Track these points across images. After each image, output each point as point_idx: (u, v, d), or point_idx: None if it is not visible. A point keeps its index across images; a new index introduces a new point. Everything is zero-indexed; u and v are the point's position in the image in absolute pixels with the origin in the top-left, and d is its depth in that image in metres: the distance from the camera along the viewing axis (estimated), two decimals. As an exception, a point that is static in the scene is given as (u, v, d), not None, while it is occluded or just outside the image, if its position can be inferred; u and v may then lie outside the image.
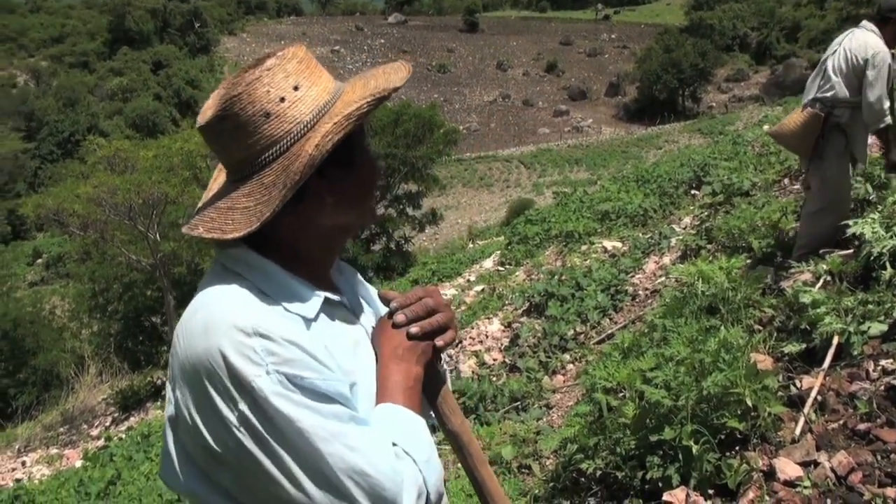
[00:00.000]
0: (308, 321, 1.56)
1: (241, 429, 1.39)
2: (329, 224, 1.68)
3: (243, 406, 1.38)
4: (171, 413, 1.53)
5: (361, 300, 1.89)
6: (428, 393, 1.79)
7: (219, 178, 1.75)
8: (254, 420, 1.38)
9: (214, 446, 1.43)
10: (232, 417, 1.39)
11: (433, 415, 1.84)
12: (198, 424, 1.44)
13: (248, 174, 1.59)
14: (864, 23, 6.28)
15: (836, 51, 6.21)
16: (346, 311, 1.75)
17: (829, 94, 6.10)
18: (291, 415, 1.38)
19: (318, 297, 1.63)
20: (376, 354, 1.73)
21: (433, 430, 1.74)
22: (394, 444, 1.51)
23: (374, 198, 1.79)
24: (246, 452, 1.40)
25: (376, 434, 1.48)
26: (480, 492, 1.84)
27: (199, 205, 1.71)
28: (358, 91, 1.62)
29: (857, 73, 6.03)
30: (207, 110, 1.61)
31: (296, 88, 1.58)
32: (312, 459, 1.39)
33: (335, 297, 1.69)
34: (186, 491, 1.53)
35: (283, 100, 1.56)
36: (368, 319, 1.84)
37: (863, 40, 6.10)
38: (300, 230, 1.65)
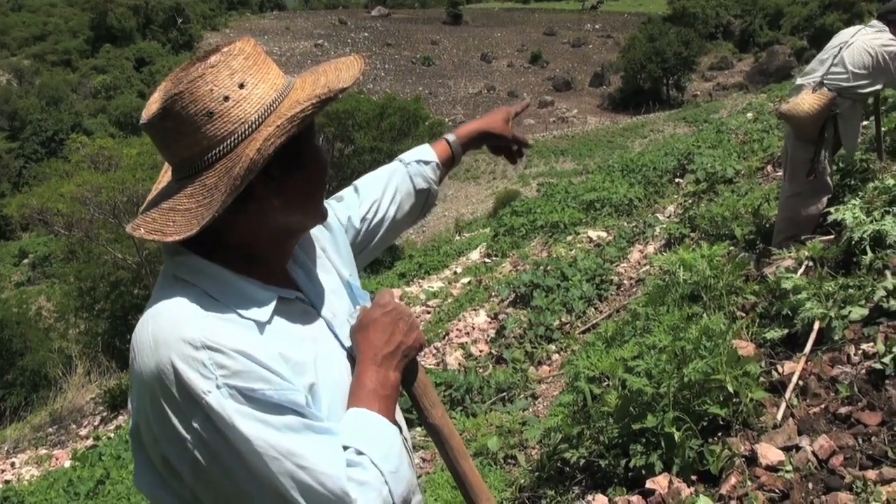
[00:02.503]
0: (262, 325, 1.54)
1: (196, 445, 1.38)
2: (278, 225, 1.66)
3: (196, 423, 1.37)
4: (132, 425, 1.53)
5: (322, 285, 1.84)
6: (406, 387, 1.79)
7: (165, 175, 1.72)
8: (206, 437, 1.37)
9: (173, 461, 1.42)
10: (187, 435, 1.38)
11: (413, 407, 1.84)
12: (157, 437, 1.43)
13: (191, 174, 1.56)
14: (875, 22, 6.36)
15: (850, 43, 6.21)
16: (304, 304, 1.72)
17: (842, 84, 6.11)
18: (243, 430, 1.36)
19: (272, 297, 1.60)
20: (355, 352, 1.71)
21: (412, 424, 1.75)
22: (360, 453, 1.49)
23: (323, 197, 1.77)
24: (202, 469, 1.40)
25: (331, 447, 1.46)
26: (462, 485, 1.84)
27: (145, 203, 1.68)
28: (307, 89, 1.58)
29: (875, 70, 6.09)
30: (151, 105, 1.57)
31: (241, 86, 1.53)
32: (264, 476, 1.38)
33: (289, 295, 1.67)
34: (153, 498, 1.53)
35: (227, 98, 1.51)
36: (331, 305, 1.81)
37: (884, 39, 6.18)
38: (248, 231, 1.62)
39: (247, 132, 1.52)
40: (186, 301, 1.49)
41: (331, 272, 1.92)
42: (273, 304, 1.59)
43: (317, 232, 1.94)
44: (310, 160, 1.66)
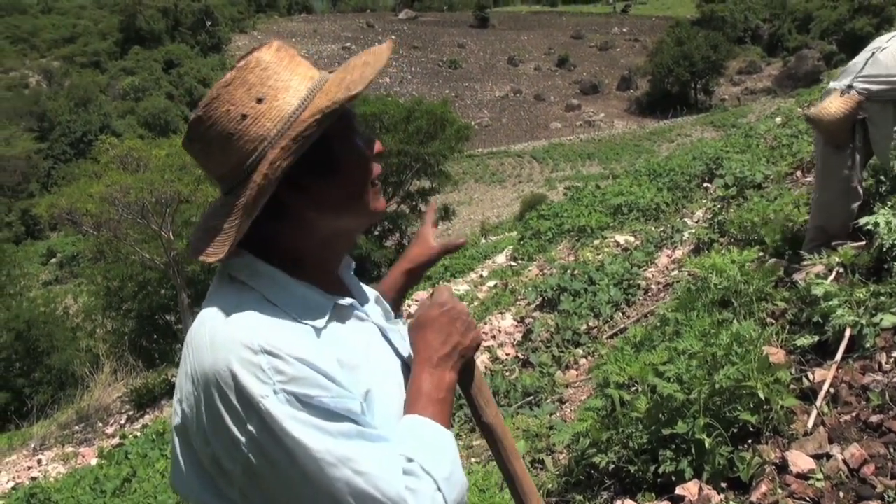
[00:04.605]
0: (318, 331, 1.52)
1: (251, 448, 1.37)
2: (325, 231, 1.63)
3: (252, 426, 1.36)
4: (177, 423, 1.51)
5: (367, 294, 1.85)
6: (462, 384, 1.79)
7: None
8: (262, 441, 1.36)
9: (224, 462, 1.42)
10: (241, 437, 1.37)
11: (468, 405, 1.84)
12: (209, 438, 1.42)
13: (228, 191, 1.55)
14: None
15: (883, 47, 6.15)
16: (357, 311, 1.70)
17: (872, 87, 6.03)
18: (299, 437, 1.36)
19: (328, 303, 1.59)
20: (412, 351, 1.71)
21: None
22: (410, 461, 1.47)
23: (373, 193, 1.68)
24: (255, 471, 1.39)
25: (387, 454, 1.44)
26: (513, 485, 1.83)
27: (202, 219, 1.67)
28: (331, 91, 1.53)
29: None
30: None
31: (259, 101, 1.50)
32: (320, 483, 1.37)
33: (345, 302, 1.65)
34: (196, 499, 1.52)
35: (244, 117, 1.49)
36: (377, 315, 1.79)
37: None
38: (295, 240, 1.61)
39: (267, 149, 1.49)
40: (244, 303, 1.49)
41: (374, 305, 1.90)
42: (330, 310, 1.58)
43: None
44: (348, 162, 1.61)
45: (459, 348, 1.70)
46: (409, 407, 1.61)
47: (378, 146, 1.68)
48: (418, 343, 1.69)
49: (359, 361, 1.57)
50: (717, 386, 3.86)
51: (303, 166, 1.51)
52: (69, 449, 17.28)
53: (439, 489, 1.47)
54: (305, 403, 1.38)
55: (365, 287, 1.88)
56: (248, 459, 1.38)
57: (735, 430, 3.91)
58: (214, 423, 1.40)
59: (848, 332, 4.45)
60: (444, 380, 1.65)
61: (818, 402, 4.00)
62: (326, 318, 1.57)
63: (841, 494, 3.32)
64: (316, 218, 1.59)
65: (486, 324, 10.74)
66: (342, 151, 1.60)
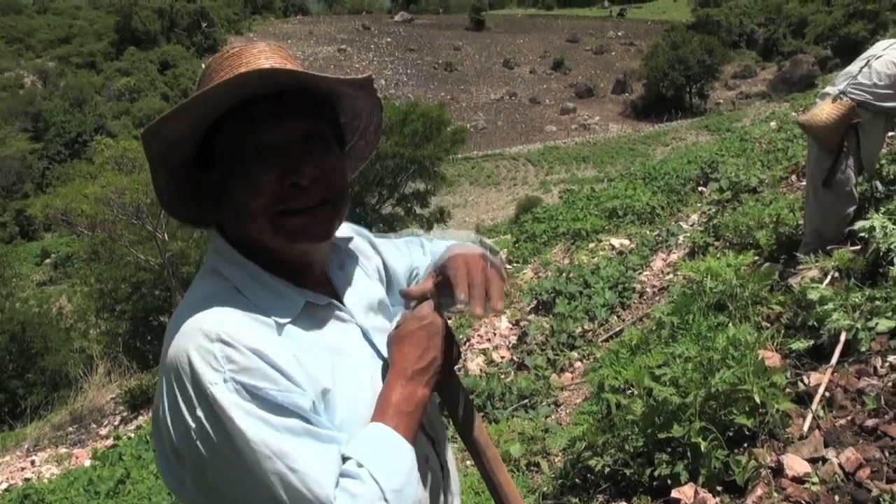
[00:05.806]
0: (281, 325, 1.53)
1: (198, 434, 1.39)
2: (242, 232, 1.61)
3: (200, 412, 1.38)
4: (152, 413, 1.55)
5: (367, 294, 1.83)
6: (444, 399, 1.78)
7: None
8: (208, 427, 1.38)
9: (180, 448, 1.43)
10: (191, 422, 1.39)
11: (450, 421, 1.83)
12: (168, 423, 1.44)
13: None
14: None
15: (879, 55, 6.17)
16: (339, 311, 1.69)
17: (865, 96, 6.05)
18: (241, 426, 1.36)
19: (300, 300, 1.59)
20: (389, 363, 1.68)
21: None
22: (360, 465, 1.45)
23: (269, 223, 1.57)
24: (201, 459, 1.40)
25: (327, 455, 1.44)
26: (497, 496, 1.82)
27: None
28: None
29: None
30: None
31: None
32: (255, 474, 1.38)
33: (320, 301, 1.64)
34: (166, 484, 1.55)
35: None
36: (373, 314, 1.79)
37: None
38: (240, 229, 1.62)
39: None
40: (213, 294, 1.52)
41: (379, 283, 1.92)
42: (299, 306, 1.59)
43: (369, 250, 1.97)
44: (228, 167, 1.59)
45: (436, 364, 1.67)
46: (376, 416, 1.59)
47: (304, 179, 1.57)
48: (395, 355, 1.67)
49: (321, 362, 1.56)
50: (712, 389, 3.87)
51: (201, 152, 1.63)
52: (63, 450, 17.22)
53: (385, 499, 1.45)
54: (253, 394, 1.39)
55: (365, 285, 1.85)
56: (196, 446, 1.40)
57: (731, 434, 3.92)
58: (172, 409, 1.43)
59: (843, 336, 4.46)
60: (415, 394, 1.62)
61: (814, 406, 4.01)
62: (294, 314, 1.57)
63: (836, 498, 3.33)
64: (228, 217, 1.63)
65: (481, 326, 10.74)
66: (223, 153, 1.59)
